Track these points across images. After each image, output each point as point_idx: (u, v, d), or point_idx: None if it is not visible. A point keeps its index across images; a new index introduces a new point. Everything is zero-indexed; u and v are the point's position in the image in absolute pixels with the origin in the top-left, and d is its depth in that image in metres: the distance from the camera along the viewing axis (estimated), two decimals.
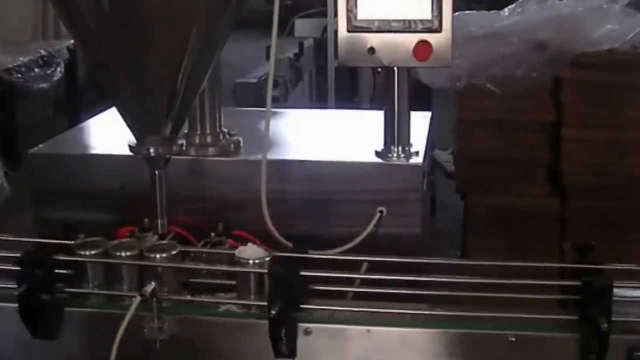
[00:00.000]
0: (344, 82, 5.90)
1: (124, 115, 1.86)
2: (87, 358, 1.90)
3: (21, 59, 6.47)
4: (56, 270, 1.93)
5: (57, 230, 2.11)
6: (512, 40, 3.47)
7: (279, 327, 1.78)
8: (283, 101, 6.07)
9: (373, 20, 2.04)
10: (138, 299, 1.80)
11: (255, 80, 6.10)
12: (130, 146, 1.87)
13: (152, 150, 1.84)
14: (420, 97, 4.08)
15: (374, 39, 2.05)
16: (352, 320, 1.84)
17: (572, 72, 3.58)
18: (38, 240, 2.02)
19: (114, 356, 1.78)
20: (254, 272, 1.83)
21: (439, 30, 2.02)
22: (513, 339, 1.76)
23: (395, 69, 2.13)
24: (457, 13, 3.59)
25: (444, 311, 1.83)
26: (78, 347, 1.95)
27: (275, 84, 6.03)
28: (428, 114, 2.67)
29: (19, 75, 6.46)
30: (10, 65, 6.34)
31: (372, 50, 2.06)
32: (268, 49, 5.86)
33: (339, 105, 5.56)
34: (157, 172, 1.88)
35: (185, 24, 1.75)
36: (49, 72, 6.71)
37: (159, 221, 1.91)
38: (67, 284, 1.96)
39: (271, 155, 2.19)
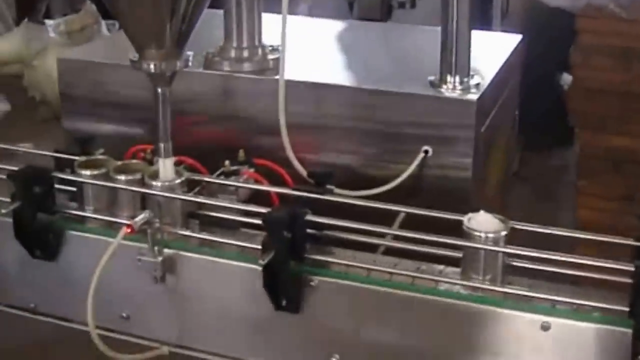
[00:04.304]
0: None
1: (123, 25, 1.71)
2: (85, 281, 1.80)
3: None
4: (57, 188, 1.87)
5: (79, 142, 2.03)
6: None
7: (274, 277, 1.63)
8: (410, 6, 5.72)
9: None
10: (124, 229, 1.69)
11: None
12: (131, 60, 1.72)
13: (152, 65, 1.69)
14: None
15: None
16: (365, 278, 1.66)
17: None
18: (40, 152, 1.96)
19: (93, 287, 1.68)
20: (485, 249, 1.57)
21: None
22: (547, 324, 1.52)
23: None
24: None
25: (470, 282, 1.61)
26: (77, 270, 1.87)
27: None
28: (517, 37, 2.38)
29: None
30: None
31: None
32: None
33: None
34: (159, 90, 1.73)
35: None
36: None
37: (161, 145, 1.77)
38: (66, 204, 1.89)
39: (306, 77, 2.01)
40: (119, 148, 2.02)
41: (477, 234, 1.57)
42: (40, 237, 1.85)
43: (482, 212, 1.61)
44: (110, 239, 1.73)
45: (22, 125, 4.69)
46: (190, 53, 1.73)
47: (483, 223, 1.59)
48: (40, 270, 1.91)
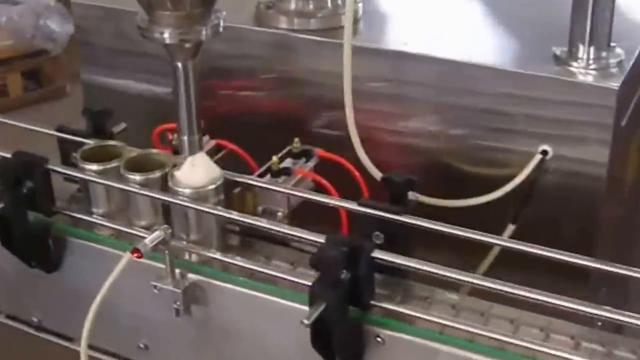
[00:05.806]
0: None
1: None
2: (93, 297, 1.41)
3: None
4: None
5: (91, 117, 1.61)
6: None
7: (326, 332, 1.20)
8: None
9: None
10: (128, 255, 1.27)
11: None
12: (139, 27, 1.28)
13: (167, 34, 1.25)
14: None
15: None
16: (468, 344, 1.21)
17: None
18: (42, 130, 1.57)
19: (91, 316, 1.30)
20: None
21: None
22: None
23: None
24: None
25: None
26: (83, 283, 1.48)
27: None
28: None
29: None
30: None
31: None
32: None
33: None
34: (179, 65, 1.29)
35: None
36: None
37: (184, 138, 1.34)
38: (70, 202, 1.53)
39: (384, 43, 1.55)
40: (144, 117, 1.65)
41: None
42: (35, 244, 1.47)
43: None
44: (122, 253, 1.33)
45: None
46: (222, 13, 1.28)
47: None
48: (41, 280, 1.54)
